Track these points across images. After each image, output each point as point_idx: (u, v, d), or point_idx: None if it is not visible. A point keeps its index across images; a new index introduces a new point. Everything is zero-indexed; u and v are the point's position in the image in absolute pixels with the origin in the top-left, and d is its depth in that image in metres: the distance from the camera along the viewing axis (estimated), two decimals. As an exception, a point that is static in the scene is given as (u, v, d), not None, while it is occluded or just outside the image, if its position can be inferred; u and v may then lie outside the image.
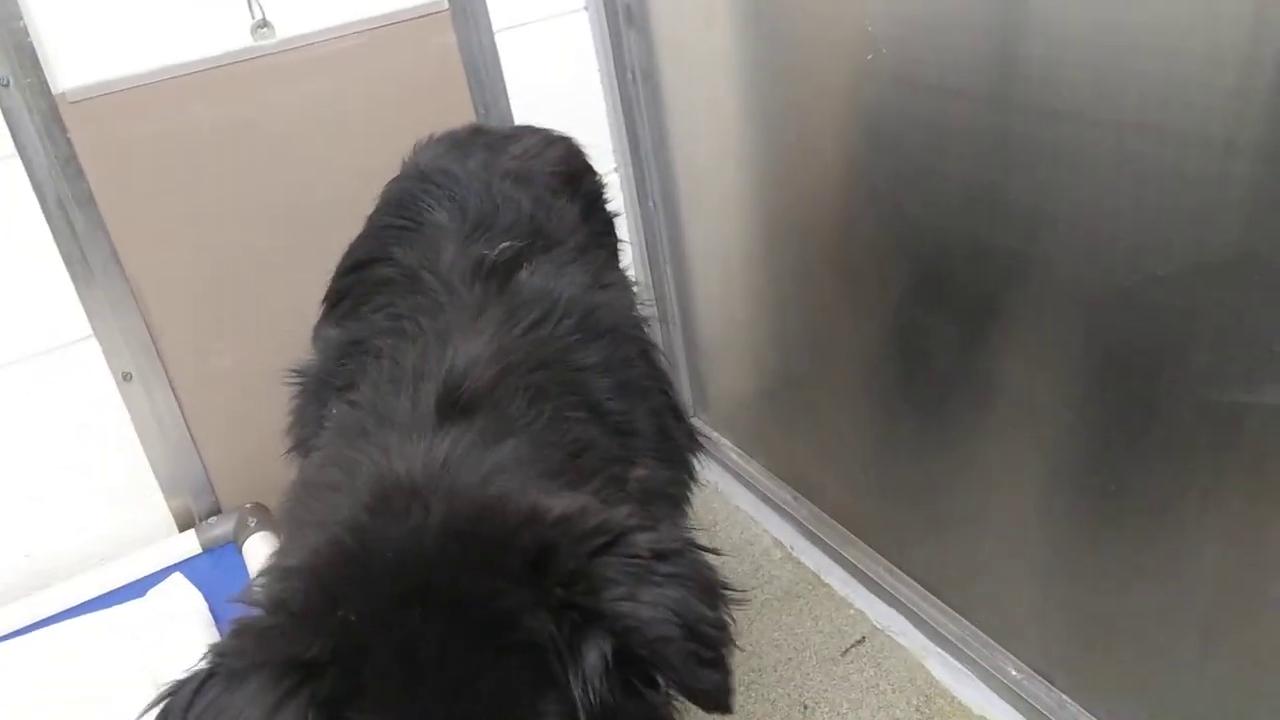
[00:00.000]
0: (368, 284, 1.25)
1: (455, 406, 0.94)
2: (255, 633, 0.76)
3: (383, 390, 1.00)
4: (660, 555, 0.78)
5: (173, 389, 1.81)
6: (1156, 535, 1.28)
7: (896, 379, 1.65)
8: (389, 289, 1.20)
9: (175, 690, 0.76)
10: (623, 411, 1.09)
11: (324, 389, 1.15)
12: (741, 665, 1.74)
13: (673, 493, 1.18)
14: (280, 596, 0.78)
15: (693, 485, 1.26)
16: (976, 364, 1.46)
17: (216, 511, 1.90)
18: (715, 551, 0.87)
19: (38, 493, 1.78)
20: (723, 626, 0.79)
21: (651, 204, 2.16)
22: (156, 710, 0.77)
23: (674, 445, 1.22)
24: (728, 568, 1.94)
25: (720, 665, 0.77)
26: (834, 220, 1.67)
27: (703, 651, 0.76)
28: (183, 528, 1.88)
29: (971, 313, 1.43)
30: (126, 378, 1.77)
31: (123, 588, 1.74)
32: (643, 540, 0.78)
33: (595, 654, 0.73)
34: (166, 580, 1.71)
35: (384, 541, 0.78)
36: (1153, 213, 1.11)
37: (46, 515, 1.80)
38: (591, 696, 0.73)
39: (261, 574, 0.83)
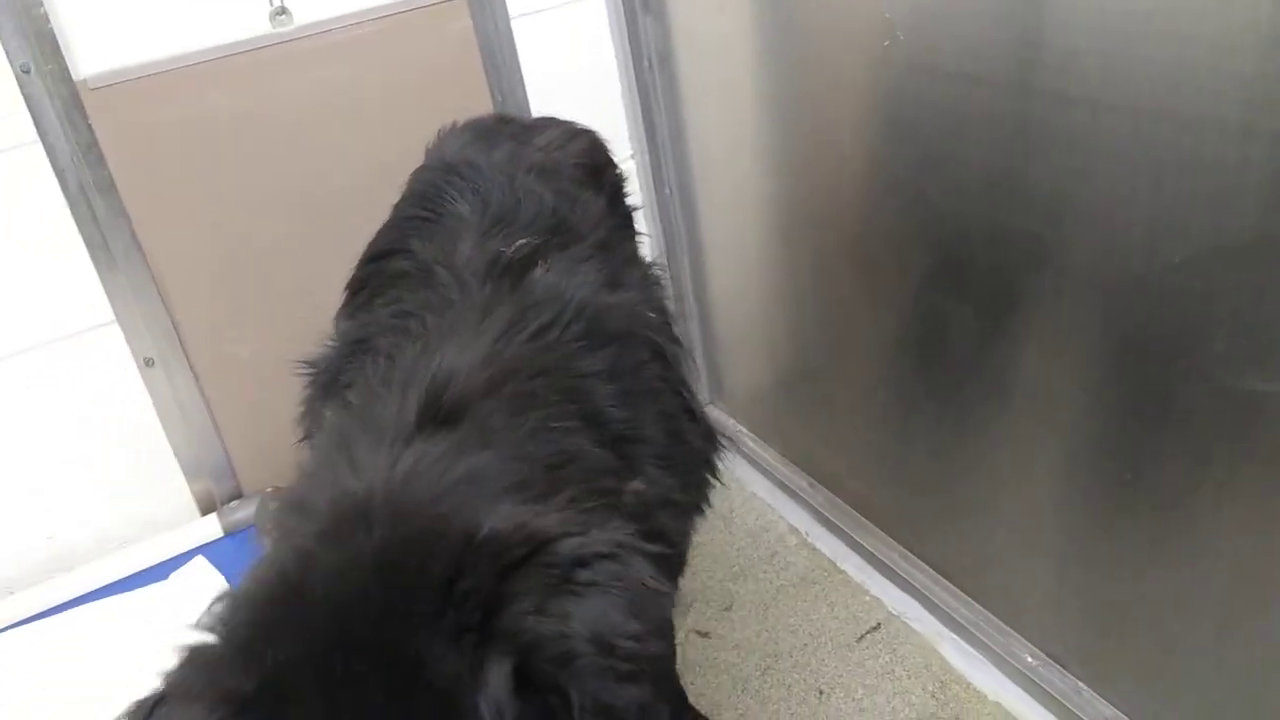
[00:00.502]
0: (385, 276, 1.24)
1: (436, 415, 0.91)
2: (198, 663, 0.76)
3: (374, 394, 0.99)
4: (582, 562, 0.74)
5: (194, 374, 1.83)
6: (1172, 522, 1.27)
7: (913, 367, 1.64)
8: (403, 283, 1.19)
9: (132, 713, 0.77)
10: (626, 419, 1.06)
11: (332, 384, 1.15)
12: (757, 651, 1.75)
13: (682, 499, 1.15)
14: (224, 625, 0.78)
15: (711, 486, 1.24)
16: (992, 352, 1.45)
17: (238, 495, 1.92)
18: (659, 554, 0.82)
19: (60, 476, 1.80)
20: (646, 638, 0.74)
21: (668, 192, 2.16)
22: None
23: (687, 449, 1.19)
24: (744, 555, 1.95)
25: (642, 680, 0.73)
26: (851, 208, 1.67)
27: (619, 665, 0.72)
28: (205, 511, 1.91)
29: (987, 301, 1.42)
30: (148, 363, 1.79)
31: (145, 571, 1.76)
32: (565, 548, 0.75)
33: (498, 676, 0.70)
34: (189, 563, 1.74)
35: (322, 571, 0.77)
36: (1170, 198, 1.10)
37: (69, 498, 1.82)
38: None
39: (217, 599, 0.82)
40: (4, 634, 1.66)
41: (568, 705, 0.72)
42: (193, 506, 1.91)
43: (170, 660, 0.79)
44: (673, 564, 1.22)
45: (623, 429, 1.04)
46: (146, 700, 0.77)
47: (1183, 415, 1.20)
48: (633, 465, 1.04)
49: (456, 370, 0.96)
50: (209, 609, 0.81)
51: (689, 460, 1.19)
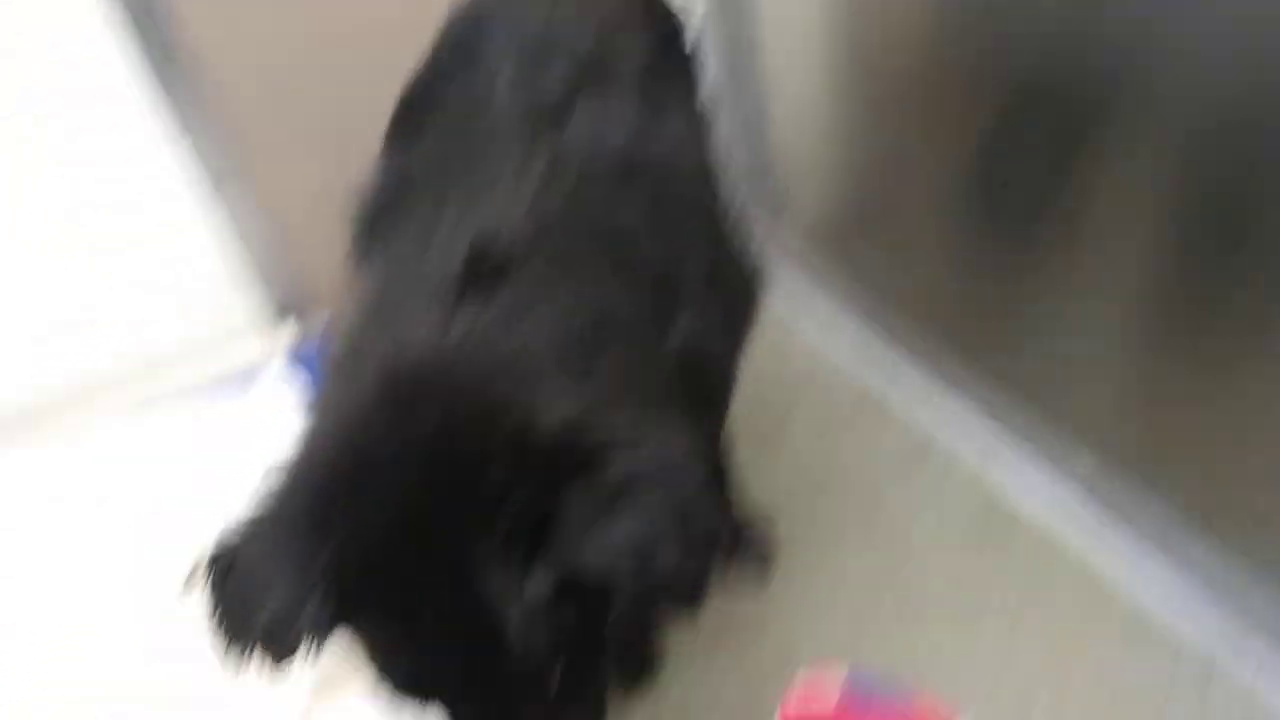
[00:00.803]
0: (422, 118, 1.23)
1: (481, 275, 0.91)
2: (266, 541, 0.81)
3: (416, 247, 0.99)
4: (631, 481, 0.76)
5: (263, 191, 1.86)
6: (1244, 332, 1.26)
7: (980, 187, 1.61)
8: (440, 125, 1.18)
9: (206, 572, 0.84)
10: (669, 264, 1.06)
11: (377, 224, 1.16)
12: (807, 474, 1.79)
13: (726, 338, 1.17)
14: (285, 502, 0.82)
15: (755, 322, 1.25)
16: (1066, 168, 1.41)
17: (308, 308, 1.98)
18: (712, 468, 0.85)
19: (135, 291, 1.87)
20: (689, 557, 0.77)
21: (731, 8, 2.09)
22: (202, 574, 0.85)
23: (731, 288, 1.20)
24: (796, 381, 1.97)
25: (681, 590, 0.79)
26: (921, 28, 1.61)
27: (658, 584, 0.76)
28: (277, 324, 1.98)
29: (1064, 116, 1.38)
30: (216, 179, 1.82)
31: (224, 380, 1.84)
32: (615, 466, 0.76)
33: (536, 592, 0.75)
34: (266, 372, 1.81)
35: (380, 457, 0.79)
36: (1261, 31, 1.05)
37: (146, 312, 1.90)
38: (534, 639, 0.76)
39: (274, 470, 0.85)
40: (85, 439, 1.75)
41: (605, 609, 0.79)
42: (264, 319, 1.98)
43: (233, 522, 0.84)
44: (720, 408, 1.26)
45: (666, 276, 1.05)
46: (219, 560, 0.83)
47: (1262, 246, 1.17)
48: (676, 311, 1.05)
49: (500, 226, 0.96)
50: (268, 478, 0.84)
51: (733, 299, 1.21)
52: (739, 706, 1.42)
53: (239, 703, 1.22)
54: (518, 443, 0.77)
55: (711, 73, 2.07)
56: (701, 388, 1.12)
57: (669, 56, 1.46)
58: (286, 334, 1.92)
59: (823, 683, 0.49)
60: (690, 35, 1.57)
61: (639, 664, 1.47)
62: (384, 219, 1.15)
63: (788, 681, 0.50)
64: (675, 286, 1.07)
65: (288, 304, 1.97)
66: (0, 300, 1.81)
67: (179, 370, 1.87)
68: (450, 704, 0.85)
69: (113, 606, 1.43)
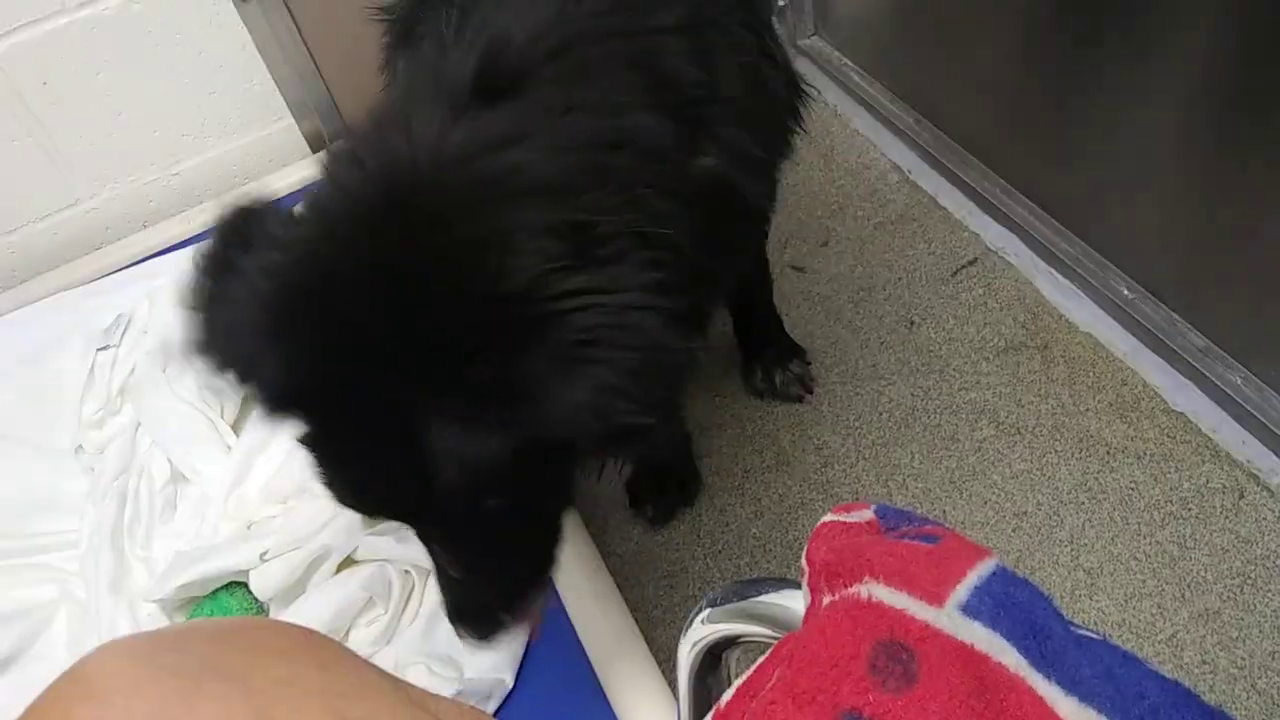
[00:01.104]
0: None
1: (493, 82, 0.85)
2: (241, 304, 0.80)
3: (442, 49, 0.93)
4: (594, 341, 0.74)
5: (289, 11, 1.81)
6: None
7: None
8: None
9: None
10: (702, 81, 0.98)
11: (409, 34, 1.11)
12: (852, 284, 1.79)
13: (763, 154, 1.11)
14: (264, 289, 0.80)
15: (795, 135, 1.20)
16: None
17: (345, 133, 1.96)
18: (674, 310, 0.80)
19: (176, 119, 1.86)
20: (650, 406, 0.76)
21: None
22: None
23: (769, 100, 1.13)
24: (843, 192, 1.95)
25: (646, 434, 0.77)
26: None
27: (620, 432, 0.75)
28: (315, 149, 1.96)
29: None
30: (243, -1, 1.78)
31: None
32: (577, 323, 0.74)
33: (494, 455, 0.74)
34: (308, 196, 1.80)
35: (350, 277, 0.77)
36: None
37: (188, 140, 1.89)
38: (469, 493, 0.77)
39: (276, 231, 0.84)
40: (143, 263, 1.79)
41: (564, 459, 0.81)
42: (303, 145, 1.97)
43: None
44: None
45: (696, 93, 0.98)
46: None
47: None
48: (706, 131, 0.99)
49: (518, 33, 0.89)
50: (275, 228, 0.85)
51: (771, 112, 1.14)
52: (768, 539, 1.49)
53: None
54: (486, 294, 0.75)
55: None
56: (732, 216, 1.07)
57: None
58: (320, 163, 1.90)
59: (857, 506, 0.51)
60: None
61: (674, 491, 1.54)
62: (416, 28, 1.10)
63: (816, 517, 0.52)
64: (713, 96, 1.00)
65: (321, 136, 1.96)
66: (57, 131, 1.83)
67: (227, 197, 1.87)
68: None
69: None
